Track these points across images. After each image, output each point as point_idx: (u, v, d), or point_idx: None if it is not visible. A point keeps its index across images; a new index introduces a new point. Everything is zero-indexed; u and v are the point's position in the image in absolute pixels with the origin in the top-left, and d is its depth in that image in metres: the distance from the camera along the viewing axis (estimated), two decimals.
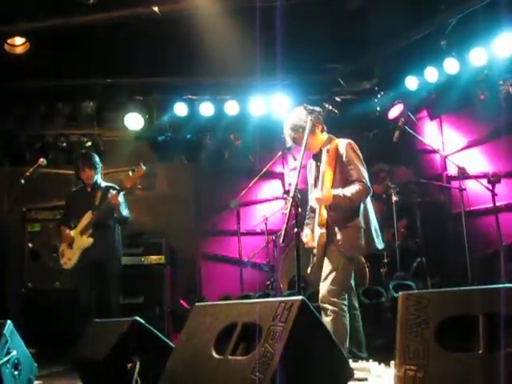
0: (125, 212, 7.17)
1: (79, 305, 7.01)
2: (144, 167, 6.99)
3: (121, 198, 6.98)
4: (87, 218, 7.06)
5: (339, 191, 5.26)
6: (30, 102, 9.47)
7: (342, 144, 5.46)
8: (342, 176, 5.37)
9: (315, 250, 5.41)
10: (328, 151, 5.46)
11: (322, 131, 5.60)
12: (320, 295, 5.34)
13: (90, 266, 7.02)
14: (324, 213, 5.34)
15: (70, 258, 7.06)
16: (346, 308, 5.28)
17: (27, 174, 6.78)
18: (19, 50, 8.07)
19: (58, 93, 9.53)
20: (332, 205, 5.29)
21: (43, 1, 7.23)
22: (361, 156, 5.47)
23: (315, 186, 5.59)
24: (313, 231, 5.53)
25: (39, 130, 9.67)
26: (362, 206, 5.41)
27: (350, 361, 5.21)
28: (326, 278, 5.31)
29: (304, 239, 5.55)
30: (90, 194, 7.23)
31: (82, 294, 7.03)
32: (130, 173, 7.00)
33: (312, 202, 5.51)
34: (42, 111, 9.53)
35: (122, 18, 7.63)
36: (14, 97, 9.35)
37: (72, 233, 7.11)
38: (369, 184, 5.36)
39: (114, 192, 6.97)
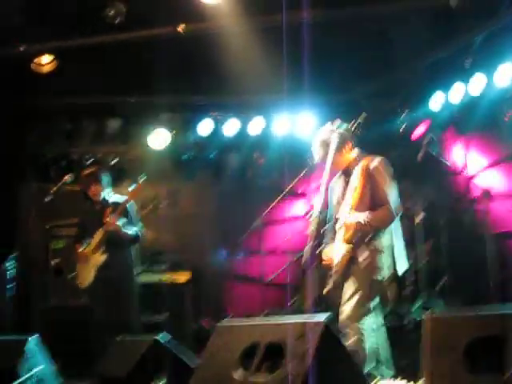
0: (130, 231, 7.08)
1: (95, 322, 6.98)
2: (141, 181, 6.95)
3: (120, 220, 6.90)
4: (99, 235, 7.02)
5: (362, 217, 5.19)
6: (56, 119, 9.55)
7: (374, 162, 5.41)
8: (371, 193, 5.31)
9: (333, 271, 5.36)
10: (359, 169, 5.42)
11: (351, 149, 5.55)
12: (341, 318, 5.27)
13: (104, 284, 6.99)
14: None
15: (85, 277, 7.03)
16: (366, 332, 5.18)
17: (52, 191, 6.82)
18: (46, 69, 8.15)
19: (83, 110, 9.61)
20: (356, 229, 5.23)
21: (70, 20, 7.29)
22: (391, 174, 5.41)
23: (339, 204, 5.53)
24: (331, 250, 5.47)
25: (65, 148, 9.74)
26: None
27: (378, 378, 5.18)
28: (348, 299, 5.25)
29: (324, 257, 5.50)
30: (100, 211, 7.16)
31: (97, 311, 7.01)
32: (130, 189, 6.98)
33: (337, 229, 5.43)
34: (68, 129, 9.60)
35: (148, 38, 7.68)
36: (40, 114, 9.45)
37: (85, 251, 7.07)
38: (394, 208, 5.27)
39: (110, 217, 6.87)
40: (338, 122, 5.53)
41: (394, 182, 5.38)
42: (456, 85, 8.29)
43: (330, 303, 7.63)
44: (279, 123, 9.57)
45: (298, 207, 10.32)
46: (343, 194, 5.54)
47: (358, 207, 5.27)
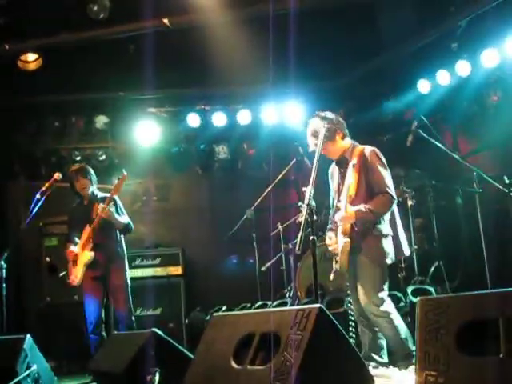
0: (122, 219, 7.07)
1: (89, 319, 6.96)
2: (126, 173, 6.94)
3: (111, 207, 6.89)
4: (86, 232, 6.97)
5: (361, 206, 5.23)
6: (44, 116, 9.52)
7: (367, 151, 5.44)
8: (367, 183, 5.34)
9: (338, 257, 5.39)
10: (352, 158, 5.44)
11: (344, 137, 5.56)
12: (363, 307, 5.32)
13: (95, 280, 6.97)
14: None
15: (76, 275, 7.00)
16: (392, 314, 5.26)
17: (43, 188, 6.79)
18: (32, 66, 8.13)
19: (71, 107, 9.59)
20: (357, 221, 5.26)
21: (54, 17, 7.26)
22: (385, 163, 5.44)
23: (339, 193, 5.56)
24: (336, 235, 5.49)
25: (54, 145, 9.72)
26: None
27: (370, 367, 5.21)
28: (363, 288, 5.29)
29: (328, 241, 5.53)
30: (87, 208, 7.10)
31: (89, 308, 6.99)
32: (116, 181, 6.96)
33: (338, 221, 5.44)
34: (56, 126, 9.57)
35: (133, 31, 7.66)
36: (28, 112, 9.42)
37: (75, 249, 7.04)
38: (393, 193, 5.33)
39: (101, 205, 6.85)
40: (327, 112, 5.51)
41: (387, 169, 5.42)
42: (443, 68, 8.32)
43: (327, 290, 7.72)
44: (267, 113, 9.58)
45: (289, 195, 10.32)
46: (339, 184, 5.58)
47: (356, 197, 5.30)
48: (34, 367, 4.85)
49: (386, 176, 5.38)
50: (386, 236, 5.36)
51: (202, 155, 10.20)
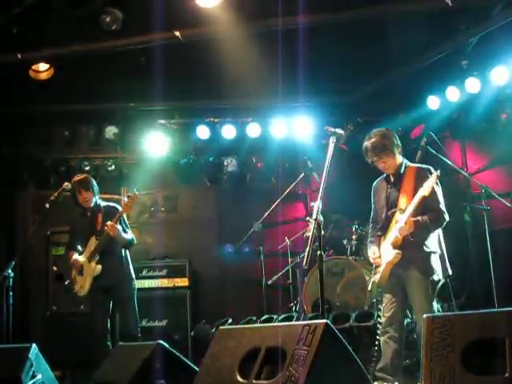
0: (127, 236, 7.05)
1: (95, 330, 6.97)
2: (137, 193, 6.96)
3: (118, 225, 6.88)
4: (92, 244, 6.94)
5: (419, 218, 5.33)
6: (54, 126, 9.57)
7: (424, 169, 5.56)
8: (421, 204, 5.37)
9: (380, 268, 5.44)
10: (406, 173, 5.58)
11: (400, 153, 5.65)
12: (417, 321, 5.40)
13: (101, 292, 6.97)
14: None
15: (82, 285, 6.99)
16: None
17: (52, 197, 6.81)
18: (43, 76, 8.18)
19: (81, 117, 9.63)
20: (415, 231, 5.32)
21: (67, 27, 7.31)
22: (438, 181, 5.51)
23: (387, 206, 5.63)
24: (379, 248, 5.57)
25: (63, 154, 9.75)
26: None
27: (380, 380, 5.21)
28: (419, 304, 5.34)
29: (371, 255, 5.61)
30: (90, 219, 7.07)
31: (97, 318, 7.00)
32: (125, 199, 6.97)
33: (397, 232, 5.47)
34: (66, 135, 9.61)
35: (145, 43, 7.70)
36: (39, 121, 9.47)
37: (81, 259, 7.04)
38: (445, 212, 5.47)
39: (109, 222, 6.84)
40: (330, 129, 5.52)
41: (440, 188, 5.55)
42: (453, 85, 8.33)
43: (333, 305, 7.71)
44: (277, 127, 9.59)
45: (297, 209, 10.34)
46: (387, 198, 5.68)
47: (415, 211, 5.37)
48: (39, 376, 4.85)
49: (440, 195, 5.51)
50: (435, 253, 5.47)
51: (210, 167, 10.22)
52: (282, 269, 8.85)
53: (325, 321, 3.39)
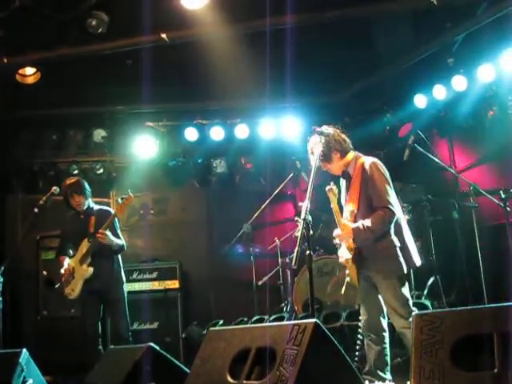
0: (118, 242, 7.05)
1: (86, 333, 6.96)
2: (132, 195, 6.95)
3: (108, 232, 6.87)
4: (84, 246, 6.92)
5: (360, 223, 5.19)
6: (42, 130, 9.54)
7: (367, 164, 5.37)
8: (368, 197, 5.28)
9: (348, 271, 5.39)
10: (355, 171, 5.41)
11: (343, 155, 5.47)
12: (393, 322, 5.28)
13: (92, 295, 6.97)
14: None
15: (73, 288, 6.98)
16: None
17: (40, 202, 6.80)
18: (30, 80, 8.16)
19: (69, 121, 9.61)
20: (355, 238, 5.23)
21: (52, 31, 7.30)
22: (386, 175, 5.35)
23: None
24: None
25: (52, 158, 9.72)
26: (393, 225, 5.28)
27: (367, 382, 5.20)
28: (389, 305, 5.21)
29: (341, 260, 5.46)
30: (83, 221, 7.06)
31: (88, 322, 6.99)
32: (120, 200, 6.96)
33: (336, 238, 5.42)
34: (54, 139, 9.59)
35: (131, 46, 7.69)
36: (26, 125, 9.44)
37: (71, 262, 7.04)
38: (392, 206, 5.21)
39: (100, 231, 6.82)
40: (324, 127, 5.48)
41: (389, 182, 5.37)
42: (440, 83, 8.36)
43: (324, 305, 7.73)
44: (265, 128, 9.60)
45: (286, 210, 10.35)
46: (345, 199, 5.54)
47: (359, 211, 5.30)
48: (30, 381, 4.84)
49: (386, 189, 5.27)
50: (395, 248, 5.22)
51: (199, 169, 10.22)
52: (272, 269, 8.86)
53: (314, 320, 3.39)
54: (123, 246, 7.09)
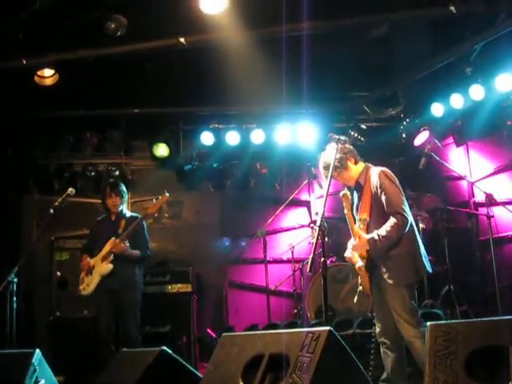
0: (135, 253, 7.12)
1: (99, 334, 6.98)
2: (168, 194, 7.03)
3: (122, 244, 6.96)
4: (109, 245, 7.04)
5: (374, 234, 5.19)
6: (59, 131, 9.59)
7: (375, 174, 5.40)
8: (380, 205, 5.29)
9: (360, 280, 5.37)
10: (366, 181, 5.43)
11: (356, 163, 5.54)
12: (401, 331, 5.23)
13: (108, 294, 7.00)
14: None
15: (88, 283, 7.03)
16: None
17: (56, 203, 6.83)
18: (48, 82, 8.20)
19: (85, 122, 9.64)
20: (371, 249, 5.22)
21: (71, 33, 7.34)
22: (397, 182, 5.37)
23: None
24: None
25: (67, 160, 9.76)
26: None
27: None
28: (398, 314, 5.18)
29: (352, 262, 5.44)
30: (114, 223, 7.23)
31: (101, 321, 7.02)
32: (154, 200, 7.04)
33: (351, 249, 5.40)
34: (71, 141, 9.63)
35: (149, 50, 7.72)
36: (43, 126, 9.48)
37: (92, 261, 7.10)
38: (406, 213, 5.22)
39: (116, 240, 6.95)
40: (334, 136, 5.47)
41: (400, 189, 5.38)
42: (457, 92, 8.34)
43: (337, 312, 7.71)
44: (281, 133, 9.60)
45: (300, 216, 10.34)
46: (357, 208, 5.54)
47: (371, 220, 5.30)
48: (43, 382, 4.85)
49: (398, 195, 5.30)
50: (406, 255, 5.24)
51: (214, 173, 10.23)
52: (286, 275, 8.85)
53: (328, 328, 3.39)
54: (144, 256, 7.17)
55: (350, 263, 5.51)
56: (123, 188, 7.31)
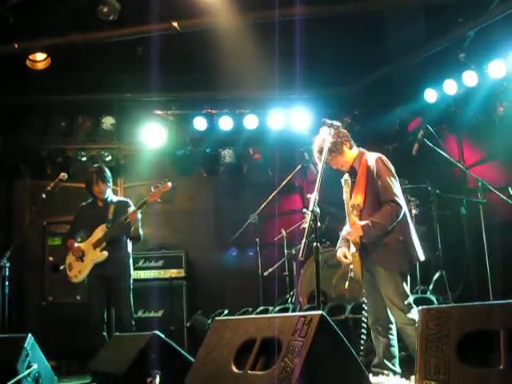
0: (140, 229, 7.10)
1: (91, 319, 6.98)
2: (170, 184, 6.99)
3: (139, 214, 6.93)
4: (101, 231, 6.98)
5: (369, 221, 5.18)
6: (51, 116, 9.54)
7: (372, 159, 5.39)
8: (374, 192, 5.29)
9: (351, 265, 5.37)
10: (360, 166, 5.40)
11: (351, 148, 5.53)
12: (392, 316, 5.25)
13: (101, 280, 6.98)
14: None
15: (80, 270, 7.00)
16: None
17: (48, 188, 6.80)
18: (40, 66, 8.16)
19: (78, 107, 9.61)
20: (364, 236, 5.22)
21: (64, 17, 7.30)
22: (393, 170, 5.37)
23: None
24: (349, 249, 5.43)
25: (60, 145, 9.73)
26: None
27: (370, 375, 5.20)
28: (390, 300, 5.18)
29: (344, 260, 5.41)
30: (102, 209, 7.14)
31: (94, 308, 7.01)
32: (152, 189, 6.99)
33: (346, 236, 5.40)
34: (63, 126, 9.58)
35: (142, 34, 7.69)
36: (35, 111, 9.44)
37: (82, 246, 7.07)
38: (400, 201, 5.23)
39: (131, 208, 6.93)
40: (327, 122, 5.43)
41: (395, 176, 5.37)
42: (450, 78, 8.34)
43: (329, 297, 7.72)
44: (274, 118, 9.58)
45: (293, 201, 10.34)
46: (351, 194, 5.51)
47: (365, 206, 5.29)
48: (35, 366, 4.87)
49: (392, 183, 5.29)
50: (399, 242, 5.24)
51: (207, 159, 10.21)
52: (278, 260, 8.86)
53: (320, 312, 3.39)
54: (141, 236, 7.15)
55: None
56: (108, 173, 7.21)
